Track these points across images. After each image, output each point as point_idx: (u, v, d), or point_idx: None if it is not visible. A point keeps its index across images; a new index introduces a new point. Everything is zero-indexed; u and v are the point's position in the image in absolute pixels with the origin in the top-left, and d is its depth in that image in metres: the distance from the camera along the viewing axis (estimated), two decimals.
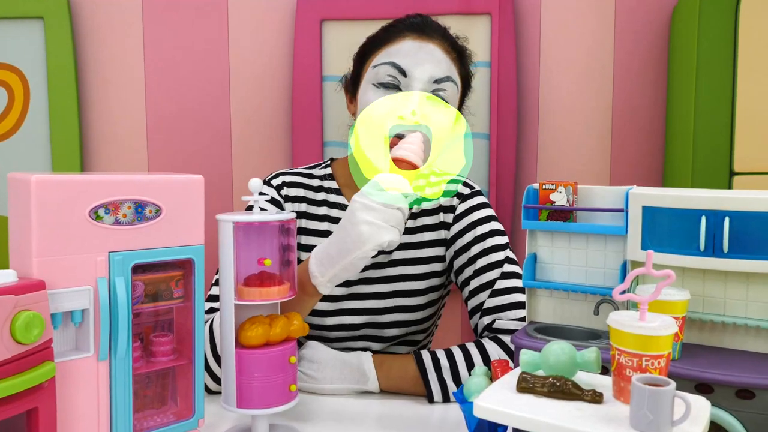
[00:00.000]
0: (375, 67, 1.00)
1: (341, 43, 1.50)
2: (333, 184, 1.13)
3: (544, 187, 0.75)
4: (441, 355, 0.95)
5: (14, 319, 0.57)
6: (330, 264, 0.83)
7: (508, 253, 1.05)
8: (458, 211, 1.09)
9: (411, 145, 0.85)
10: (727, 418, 0.59)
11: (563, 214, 0.75)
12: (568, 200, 0.74)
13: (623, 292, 0.53)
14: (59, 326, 0.65)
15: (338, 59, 1.51)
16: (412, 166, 0.84)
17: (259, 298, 0.77)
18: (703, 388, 0.61)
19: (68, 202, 0.64)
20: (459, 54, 1.04)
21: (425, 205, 1.10)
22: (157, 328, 0.78)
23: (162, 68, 1.55)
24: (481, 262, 1.04)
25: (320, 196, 1.12)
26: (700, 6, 1.27)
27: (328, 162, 1.17)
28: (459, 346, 0.97)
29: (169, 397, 0.80)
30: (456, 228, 1.08)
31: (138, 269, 0.70)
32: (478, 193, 1.12)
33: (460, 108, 1.07)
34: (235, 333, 0.77)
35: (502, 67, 1.47)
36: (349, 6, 1.48)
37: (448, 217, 1.09)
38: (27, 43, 1.49)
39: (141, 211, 0.70)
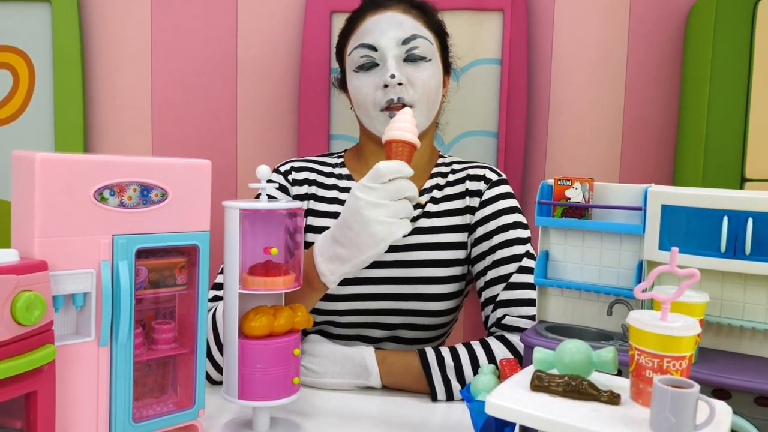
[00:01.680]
0: (350, 55, 1.05)
1: None
2: (344, 171, 1.13)
3: (559, 182, 0.74)
4: (445, 353, 0.94)
5: (15, 299, 0.55)
6: (341, 263, 0.81)
7: (529, 248, 1.03)
8: (485, 196, 1.07)
9: (402, 123, 0.81)
10: (745, 425, 0.57)
11: (578, 211, 0.73)
12: (584, 197, 0.72)
13: (644, 291, 0.51)
14: (60, 309, 0.64)
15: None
16: (410, 145, 0.81)
17: (264, 287, 0.75)
18: (720, 393, 0.59)
19: (73, 182, 0.62)
20: (420, 9, 1.07)
21: (448, 191, 1.09)
22: (159, 316, 0.77)
23: (169, 54, 1.53)
24: (501, 254, 1.02)
25: (330, 180, 1.12)
26: (717, 8, 1.26)
27: (342, 153, 1.18)
28: (464, 344, 0.95)
29: (170, 386, 0.78)
30: (480, 214, 1.06)
31: (142, 254, 0.69)
32: (506, 181, 1.10)
33: (445, 56, 1.11)
34: (238, 322, 0.75)
35: (513, 64, 1.46)
36: None
37: (474, 202, 1.07)
38: (33, 27, 1.47)
39: (147, 194, 0.68)
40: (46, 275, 0.59)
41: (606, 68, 1.48)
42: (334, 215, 1.07)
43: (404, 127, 0.81)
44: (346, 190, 1.10)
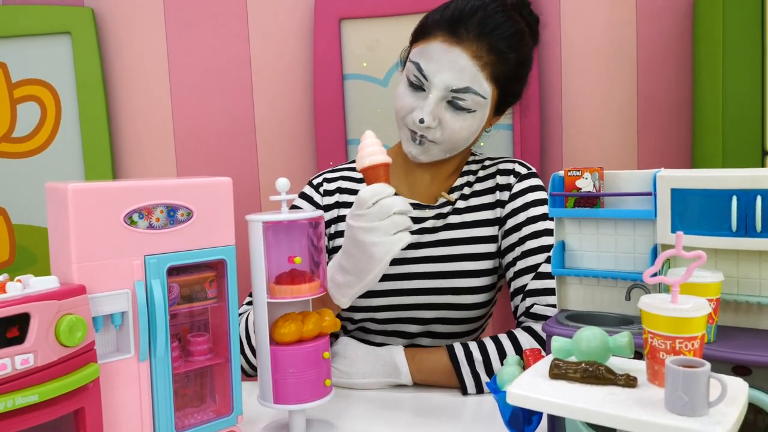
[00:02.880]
0: (410, 61, 1.02)
1: (360, 40, 1.51)
2: None
3: (569, 174, 0.75)
4: (473, 347, 0.96)
5: (58, 323, 0.59)
6: (349, 287, 0.85)
7: None
8: (514, 189, 1.08)
9: (370, 148, 0.84)
10: (766, 400, 0.58)
11: (590, 201, 0.74)
12: (594, 186, 0.74)
13: (654, 275, 0.52)
14: (101, 329, 0.68)
15: (358, 57, 1.52)
16: (382, 165, 0.83)
17: (291, 295, 0.78)
18: (740, 370, 0.60)
19: (104, 209, 0.66)
20: (497, 56, 0.99)
21: (478, 186, 1.11)
22: (194, 329, 0.80)
23: (186, 75, 1.58)
24: (530, 244, 1.03)
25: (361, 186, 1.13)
26: None
27: None
28: (491, 337, 0.97)
29: (208, 395, 0.82)
30: (510, 206, 1.07)
31: (173, 271, 0.72)
32: (535, 174, 1.11)
33: (503, 102, 1.06)
34: (269, 330, 0.79)
35: None
36: (366, 3, 1.48)
37: (504, 195, 1.09)
38: (56, 58, 1.53)
39: (173, 214, 0.71)
40: (85, 298, 0.63)
41: (616, 52, 1.48)
42: None
43: (372, 151, 0.83)
44: None
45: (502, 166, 1.12)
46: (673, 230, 0.67)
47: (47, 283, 0.62)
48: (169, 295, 0.72)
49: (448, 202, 1.10)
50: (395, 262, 1.06)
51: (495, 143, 1.49)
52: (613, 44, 1.48)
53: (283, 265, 0.80)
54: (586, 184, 0.74)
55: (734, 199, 0.63)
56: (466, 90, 0.98)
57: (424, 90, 1.00)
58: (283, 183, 0.80)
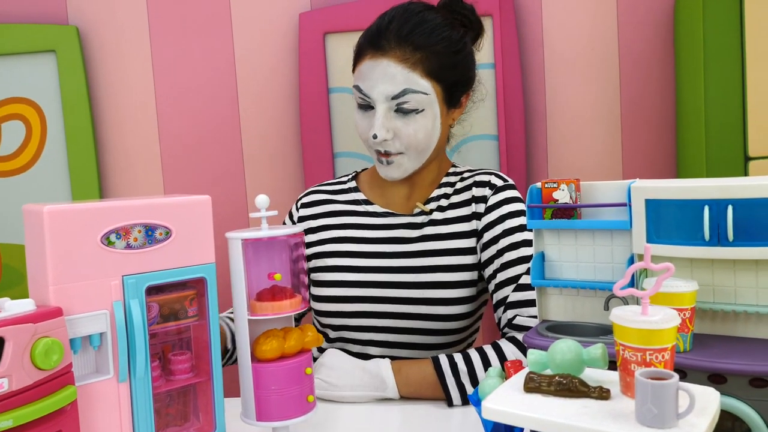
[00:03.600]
0: (353, 87, 1.08)
1: (345, 55, 1.52)
2: (360, 195, 1.18)
3: (546, 185, 0.76)
4: (458, 358, 0.96)
5: (34, 346, 0.59)
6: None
7: None
8: (490, 202, 1.09)
9: None
10: (741, 408, 0.58)
11: (567, 212, 0.75)
12: (571, 197, 0.74)
13: (625, 288, 0.53)
14: (79, 350, 0.67)
15: (343, 71, 1.52)
16: None
17: (272, 312, 0.78)
18: (716, 378, 0.61)
19: (80, 230, 0.66)
20: (424, 52, 1.03)
21: (456, 198, 1.12)
22: (175, 347, 0.80)
23: (172, 92, 1.58)
24: (509, 256, 1.04)
25: (347, 207, 1.17)
26: None
27: (352, 175, 1.23)
28: (476, 349, 0.97)
29: (191, 414, 0.81)
30: (486, 219, 1.08)
31: (152, 290, 0.72)
32: (512, 186, 1.12)
33: (452, 94, 1.08)
34: (250, 348, 0.79)
35: (506, 67, 1.48)
36: (351, 18, 1.49)
37: (480, 207, 1.10)
38: (41, 77, 1.53)
39: (151, 234, 0.72)
40: (62, 320, 0.63)
41: (598, 62, 1.49)
42: (355, 240, 1.13)
43: None
44: (365, 214, 1.15)
45: (478, 178, 1.12)
46: (649, 240, 0.68)
47: (23, 306, 0.62)
48: (149, 315, 0.72)
49: (423, 212, 1.11)
50: (371, 270, 1.08)
51: (481, 153, 1.50)
52: (595, 54, 1.49)
53: (263, 282, 0.80)
54: (562, 196, 0.74)
55: (706, 209, 0.64)
56: (404, 93, 1.02)
57: (372, 107, 1.05)
58: (262, 200, 0.80)
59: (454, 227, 1.09)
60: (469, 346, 1.17)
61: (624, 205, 0.71)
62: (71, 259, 0.66)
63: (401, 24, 1.04)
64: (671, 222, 0.67)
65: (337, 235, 1.15)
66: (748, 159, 1.27)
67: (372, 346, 1.11)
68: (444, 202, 1.11)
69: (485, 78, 1.48)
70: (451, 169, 1.16)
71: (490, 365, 0.94)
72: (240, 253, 0.77)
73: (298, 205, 1.21)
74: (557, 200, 0.75)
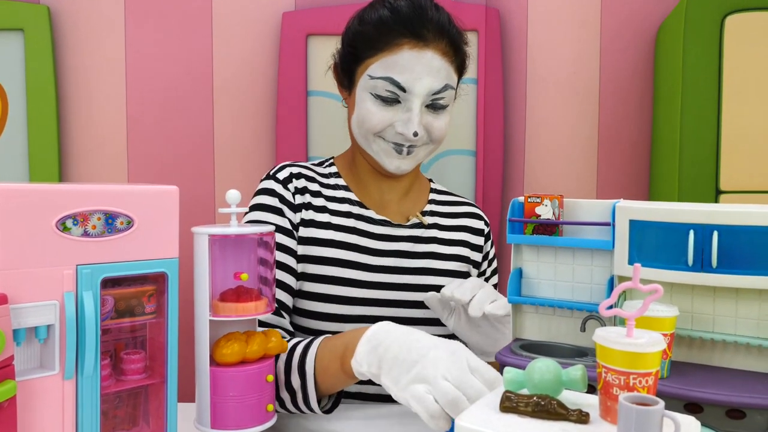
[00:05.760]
0: (373, 78, 0.97)
1: (327, 58, 1.49)
2: (340, 181, 1.08)
3: (529, 200, 0.74)
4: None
5: None
6: (374, 377, 0.75)
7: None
8: (491, 238, 1.15)
9: None
10: None
11: (549, 228, 0.73)
12: (554, 214, 0.72)
13: (610, 307, 0.51)
14: (22, 343, 0.62)
15: (324, 74, 1.50)
16: None
17: (235, 313, 0.74)
18: (692, 407, 0.59)
19: (34, 213, 0.61)
20: (455, 48, 0.99)
21: (447, 221, 1.10)
22: (129, 345, 0.75)
23: (144, 82, 1.53)
24: (492, 281, 1.14)
25: (330, 192, 1.06)
26: (686, 24, 1.28)
27: (330, 160, 1.12)
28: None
29: (141, 418, 0.76)
30: (486, 260, 1.13)
31: (108, 283, 0.68)
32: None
33: (455, 97, 1.05)
34: (209, 350, 0.74)
35: (489, 83, 1.47)
36: (334, 21, 1.47)
37: (476, 240, 1.11)
38: (6, 56, 1.46)
39: (112, 222, 0.67)
40: (6, 309, 0.58)
41: (580, 86, 1.50)
42: (336, 227, 1.02)
43: None
44: (346, 201, 1.05)
45: (469, 210, 1.14)
46: (631, 261, 0.66)
47: None
48: (103, 309, 0.67)
49: (422, 225, 1.07)
50: (376, 287, 1.00)
51: (457, 168, 1.48)
52: (577, 78, 1.50)
53: (228, 282, 0.76)
54: (545, 212, 0.72)
55: (691, 233, 0.63)
56: (444, 89, 0.97)
57: (399, 102, 0.96)
58: (233, 195, 0.76)
59: (451, 249, 1.07)
60: None
61: (607, 224, 0.69)
62: (21, 243, 0.61)
63: (437, 13, 0.97)
64: (654, 245, 0.66)
65: (336, 238, 1.01)
66: (719, 192, 1.28)
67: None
68: (440, 221, 1.09)
69: (466, 92, 1.47)
70: (433, 186, 1.15)
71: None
72: (206, 249, 0.73)
73: (291, 189, 1.03)
74: (540, 215, 0.73)
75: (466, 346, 0.78)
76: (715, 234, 0.61)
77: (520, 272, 0.77)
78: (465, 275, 1.07)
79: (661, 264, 0.65)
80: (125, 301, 0.71)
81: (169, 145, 1.53)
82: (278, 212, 1.00)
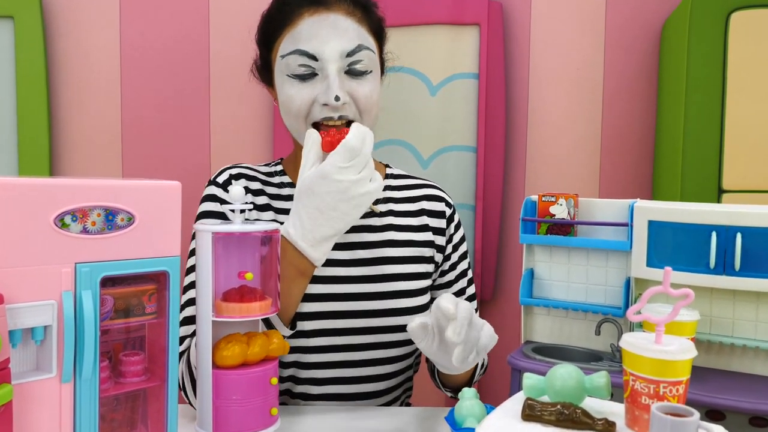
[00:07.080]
0: (283, 57, 0.93)
1: None
2: (286, 178, 1.05)
3: (543, 199, 0.72)
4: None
5: None
6: (327, 240, 0.82)
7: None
8: (455, 220, 1.03)
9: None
10: None
11: (564, 228, 0.71)
12: (569, 213, 0.70)
13: (638, 313, 0.49)
14: (18, 344, 0.59)
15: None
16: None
17: (239, 314, 0.71)
18: (714, 414, 0.57)
19: (31, 208, 0.58)
20: (364, 8, 0.95)
21: (403, 207, 1.04)
22: (128, 346, 0.72)
23: (139, 71, 1.49)
24: (461, 267, 1.01)
25: (273, 190, 1.04)
26: (690, 22, 1.26)
27: (279, 161, 1.10)
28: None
29: (140, 421, 0.73)
30: (452, 242, 1.03)
31: (107, 282, 0.65)
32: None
33: (382, 59, 1.01)
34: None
35: (490, 78, 1.45)
36: None
37: (438, 223, 1.02)
38: None
39: (112, 219, 0.64)
40: (2, 309, 0.55)
41: (583, 82, 1.48)
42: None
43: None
44: (291, 197, 1.02)
45: (428, 192, 1.06)
46: (649, 264, 0.65)
47: None
48: (102, 309, 0.64)
49: (374, 213, 1.03)
50: (330, 281, 0.97)
51: (457, 164, 1.46)
52: (580, 74, 1.48)
53: (231, 281, 0.73)
54: (560, 211, 0.71)
55: (714, 235, 0.61)
56: (358, 49, 0.92)
57: (316, 74, 0.92)
58: (237, 192, 0.73)
59: (410, 235, 1.02)
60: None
61: (625, 225, 0.67)
62: (18, 240, 0.58)
63: None
64: (673, 246, 0.64)
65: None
66: (721, 191, 1.28)
67: (329, 352, 1.02)
68: (396, 207, 1.04)
69: (468, 88, 1.45)
70: (389, 171, 1.08)
71: None
72: (209, 247, 0.70)
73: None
74: (554, 215, 0.71)
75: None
76: (739, 236, 0.60)
77: (531, 273, 0.75)
78: (429, 260, 1.01)
79: (680, 266, 0.63)
80: (125, 301, 0.68)
81: (165, 138, 1.50)
82: (223, 216, 0.97)
